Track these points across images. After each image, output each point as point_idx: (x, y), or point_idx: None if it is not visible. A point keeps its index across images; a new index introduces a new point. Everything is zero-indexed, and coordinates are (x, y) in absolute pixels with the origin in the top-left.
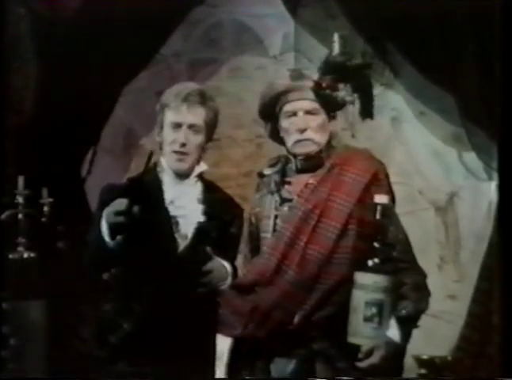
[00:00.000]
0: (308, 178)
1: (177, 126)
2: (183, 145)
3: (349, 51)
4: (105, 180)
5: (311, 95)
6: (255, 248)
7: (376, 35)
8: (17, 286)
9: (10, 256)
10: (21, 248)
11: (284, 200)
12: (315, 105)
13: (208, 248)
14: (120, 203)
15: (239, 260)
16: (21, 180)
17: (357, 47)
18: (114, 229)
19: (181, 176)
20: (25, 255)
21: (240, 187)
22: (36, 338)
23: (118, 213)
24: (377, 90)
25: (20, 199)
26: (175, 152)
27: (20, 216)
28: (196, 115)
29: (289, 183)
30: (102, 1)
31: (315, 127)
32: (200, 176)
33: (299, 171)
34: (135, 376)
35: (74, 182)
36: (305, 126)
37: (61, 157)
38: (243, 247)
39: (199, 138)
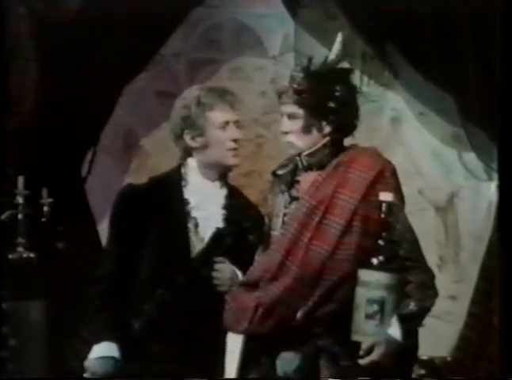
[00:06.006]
0: (316, 176)
1: (226, 124)
2: (236, 140)
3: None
4: (104, 180)
5: (290, 98)
6: (267, 249)
7: (375, 35)
8: (17, 286)
9: (10, 256)
10: (20, 249)
11: (292, 199)
12: (294, 109)
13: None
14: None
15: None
16: (20, 180)
17: (356, 47)
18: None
19: (211, 178)
20: (25, 255)
21: (240, 187)
22: (35, 338)
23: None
24: (377, 91)
25: (20, 200)
26: (230, 150)
27: (20, 216)
28: (237, 111)
29: (298, 182)
30: (102, 2)
31: (295, 131)
32: (225, 181)
33: (306, 168)
34: (139, 375)
35: (74, 182)
36: (286, 129)
37: (61, 158)
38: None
39: (241, 134)
